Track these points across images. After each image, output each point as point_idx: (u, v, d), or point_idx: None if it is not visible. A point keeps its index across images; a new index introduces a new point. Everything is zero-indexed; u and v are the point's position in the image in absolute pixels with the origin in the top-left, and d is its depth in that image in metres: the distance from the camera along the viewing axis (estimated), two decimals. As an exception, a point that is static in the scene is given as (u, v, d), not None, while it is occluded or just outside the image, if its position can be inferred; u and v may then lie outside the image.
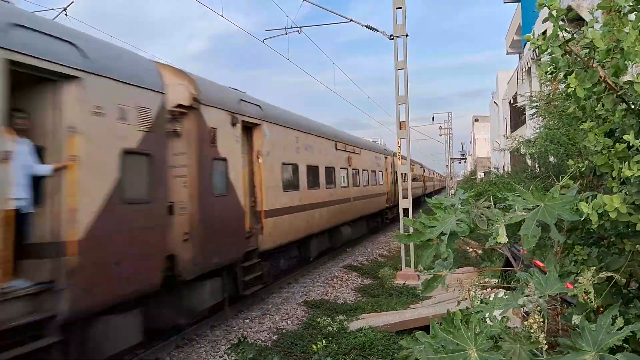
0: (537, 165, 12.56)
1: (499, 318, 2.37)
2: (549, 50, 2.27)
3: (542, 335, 2.19)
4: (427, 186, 61.70)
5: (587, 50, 2.25)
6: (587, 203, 2.29)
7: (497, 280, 9.51)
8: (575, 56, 2.22)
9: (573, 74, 2.23)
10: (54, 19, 14.78)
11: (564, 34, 2.38)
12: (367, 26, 17.79)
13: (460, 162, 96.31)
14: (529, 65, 25.34)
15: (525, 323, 2.26)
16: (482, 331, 2.24)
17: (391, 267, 16.71)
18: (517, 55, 37.01)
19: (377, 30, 17.48)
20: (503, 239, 2.36)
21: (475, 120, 75.36)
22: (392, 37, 15.85)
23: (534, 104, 13.13)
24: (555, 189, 2.44)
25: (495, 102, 44.68)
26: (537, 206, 2.35)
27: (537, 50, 2.37)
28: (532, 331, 2.21)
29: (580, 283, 2.39)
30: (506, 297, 2.48)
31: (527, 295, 2.29)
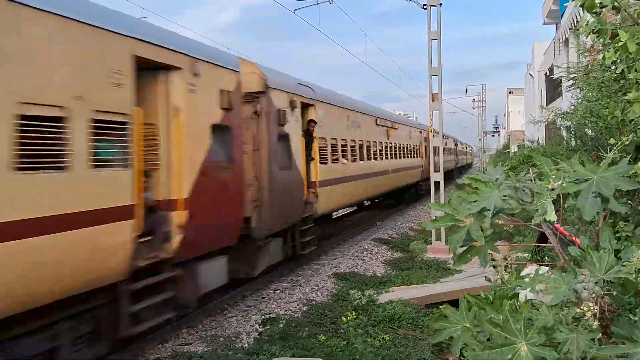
0: (572, 139, 12.22)
1: (548, 304, 2.16)
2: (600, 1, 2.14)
3: (596, 323, 2.04)
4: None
5: (638, 7, 2.12)
6: None
7: (527, 256, 9.34)
8: (624, 12, 2.10)
9: (623, 30, 2.11)
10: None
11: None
12: (399, -4, 17.39)
13: (493, 136, 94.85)
14: (567, 36, 24.53)
15: (578, 310, 2.09)
16: (532, 322, 2.07)
17: (422, 241, 16.62)
18: (554, 25, 35.90)
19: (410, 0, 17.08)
20: (552, 216, 2.20)
21: (510, 93, 73.74)
22: (425, 7, 15.49)
23: (572, 76, 12.73)
24: (607, 161, 2.29)
25: (530, 74, 43.61)
26: (589, 178, 2.22)
27: (584, 4, 2.24)
28: (585, 318, 2.06)
29: (630, 262, 2.20)
30: (552, 275, 2.26)
31: (580, 282, 2.10)
